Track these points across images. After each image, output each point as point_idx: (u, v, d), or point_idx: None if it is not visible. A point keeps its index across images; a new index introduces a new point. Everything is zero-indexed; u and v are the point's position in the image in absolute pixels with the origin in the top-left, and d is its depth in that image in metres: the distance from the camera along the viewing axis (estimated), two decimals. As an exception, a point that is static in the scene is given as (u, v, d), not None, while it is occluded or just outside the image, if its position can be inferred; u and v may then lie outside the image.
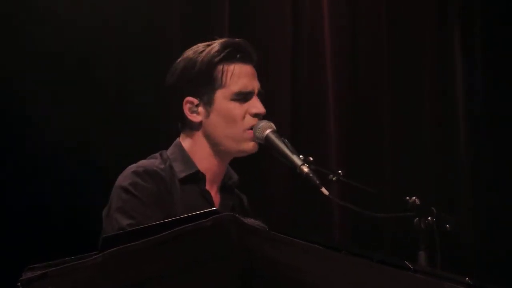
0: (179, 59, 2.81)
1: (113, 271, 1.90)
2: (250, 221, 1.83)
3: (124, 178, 2.68)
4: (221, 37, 2.86)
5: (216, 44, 2.79)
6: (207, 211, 1.80)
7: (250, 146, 2.76)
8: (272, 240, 1.85)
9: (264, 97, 2.81)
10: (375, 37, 4.66)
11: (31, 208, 3.63)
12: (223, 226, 1.79)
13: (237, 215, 1.81)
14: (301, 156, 2.62)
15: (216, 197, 2.80)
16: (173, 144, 2.82)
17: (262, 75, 2.87)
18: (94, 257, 1.93)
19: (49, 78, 3.72)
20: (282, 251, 1.86)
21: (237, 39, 2.83)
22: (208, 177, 2.77)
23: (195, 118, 2.77)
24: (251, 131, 2.74)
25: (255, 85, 2.79)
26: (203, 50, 2.78)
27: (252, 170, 3.90)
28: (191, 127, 2.79)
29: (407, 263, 2.10)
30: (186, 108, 2.77)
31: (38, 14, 3.73)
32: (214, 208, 1.83)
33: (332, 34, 4.49)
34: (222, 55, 2.75)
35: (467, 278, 2.21)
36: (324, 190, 2.54)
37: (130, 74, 3.88)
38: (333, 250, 1.94)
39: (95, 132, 3.80)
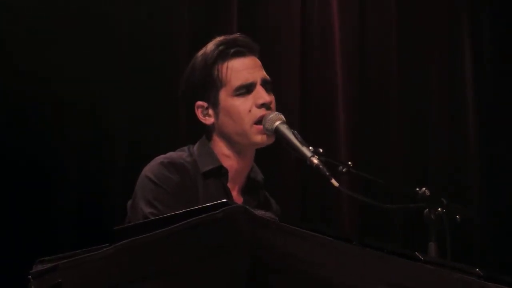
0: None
1: (124, 263, 1.90)
2: (260, 212, 1.83)
3: (151, 168, 2.71)
4: (231, 33, 2.87)
5: (209, 45, 2.81)
6: (217, 202, 1.81)
7: (259, 139, 2.75)
8: (282, 232, 1.85)
9: (272, 86, 2.80)
10: (384, 30, 4.66)
11: (42, 200, 3.64)
12: (234, 218, 1.79)
13: (247, 207, 1.81)
14: (311, 147, 2.61)
15: (238, 198, 2.79)
16: (200, 140, 2.84)
17: (271, 67, 2.86)
18: (105, 249, 1.94)
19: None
20: (292, 243, 1.86)
21: (231, 36, 2.84)
22: (230, 174, 2.77)
23: (208, 120, 2.79)
24: (259, 126, 2.74)
25: (256, 76, 2.77)
26: (200, 54, 2.81)
27: (261, 161, 3.90)
28: (208, 130, 2.82)
29: (417, 254, 2.10)
30: (198, 112, 2.80)
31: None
32: (225, 200, 1.83)
33: (342, 28, 4.49)
34: (215, 55, 2.76)
35: (477, 269, 2.21)
36: (334, 181, 2.53)
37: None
38: (343, 241, 1.95)
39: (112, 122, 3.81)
